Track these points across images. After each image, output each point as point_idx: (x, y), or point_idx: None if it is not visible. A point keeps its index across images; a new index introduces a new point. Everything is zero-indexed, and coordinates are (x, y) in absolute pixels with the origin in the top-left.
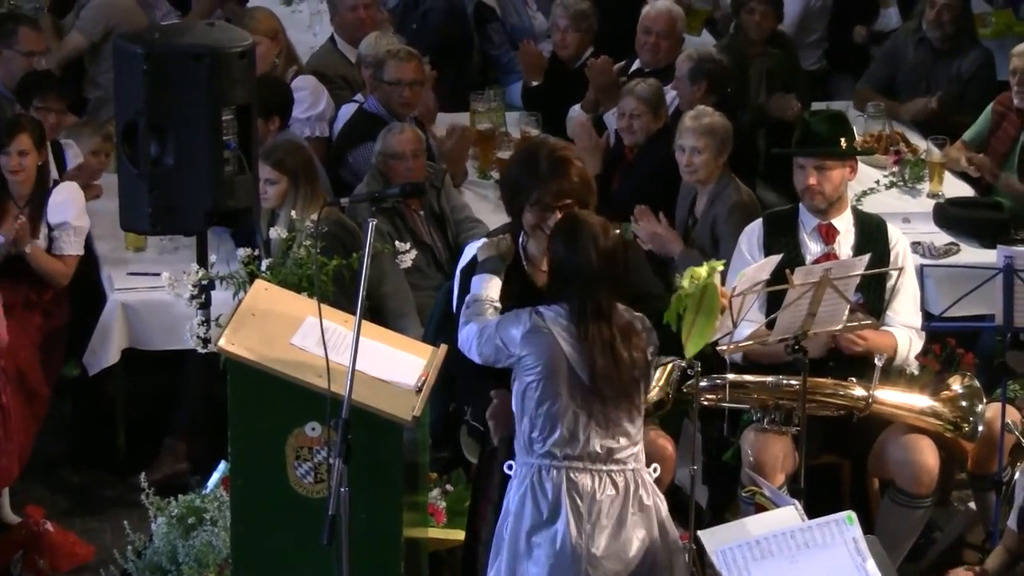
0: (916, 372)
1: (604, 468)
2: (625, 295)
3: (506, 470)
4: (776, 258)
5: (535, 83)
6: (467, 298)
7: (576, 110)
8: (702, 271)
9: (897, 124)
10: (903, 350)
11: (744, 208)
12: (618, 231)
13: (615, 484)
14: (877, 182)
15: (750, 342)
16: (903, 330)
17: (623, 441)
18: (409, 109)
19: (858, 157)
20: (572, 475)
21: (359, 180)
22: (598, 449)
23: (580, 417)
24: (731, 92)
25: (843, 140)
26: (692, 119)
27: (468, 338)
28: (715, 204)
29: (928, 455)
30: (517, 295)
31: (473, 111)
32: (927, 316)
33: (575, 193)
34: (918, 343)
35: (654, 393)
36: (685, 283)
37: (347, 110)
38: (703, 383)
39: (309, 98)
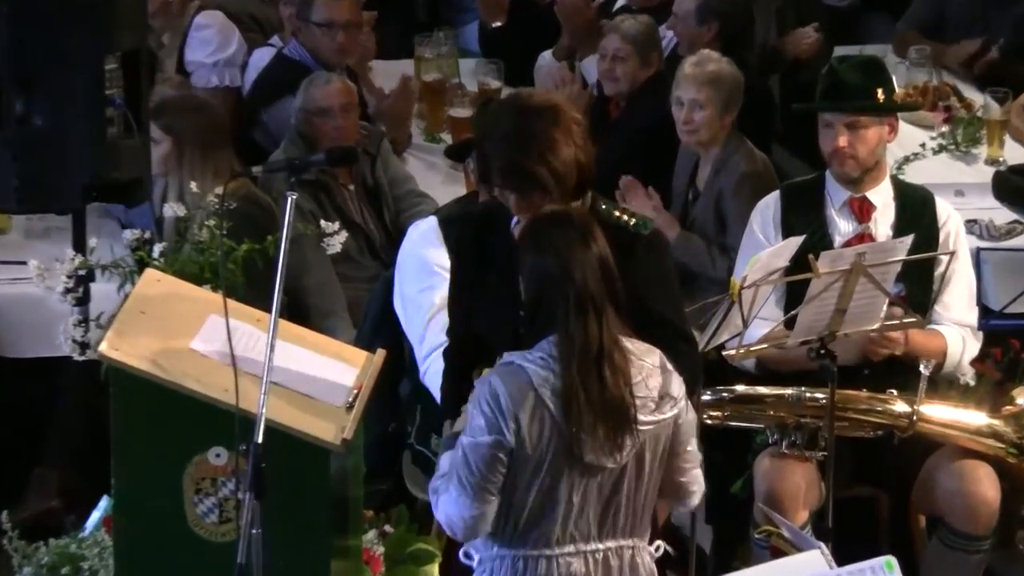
0: (971, 382)
1: (600, 547)
2: (631, 320)
3: (463, 559)
4: (797, 240)
5: (495, 23)
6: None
7: (546, 57)
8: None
9: (947, 74)
10: (955, 354)
11: (757, 178)
12: (633, 222)
13: (608, 568)
14: (922, 145)
15: (764, 345)
16: (954, 329)
17: (623, 518)
18: (344, 57)
19: (899, 114)
20: (560, 563)
21: (277, 143)
22: (594, 529)
23: (575, 496)
24: (737, 33)
25: (880, 92)
26: (693, 66)
27: (450, 512)
28: (721, 173)
29: (986, 486)
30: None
31: (418, 58)
32: (984, 312)
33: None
34: (974, 345)
35: None
36: None
37: (261, 56)
38: (706, 396)
39: (216, 38)
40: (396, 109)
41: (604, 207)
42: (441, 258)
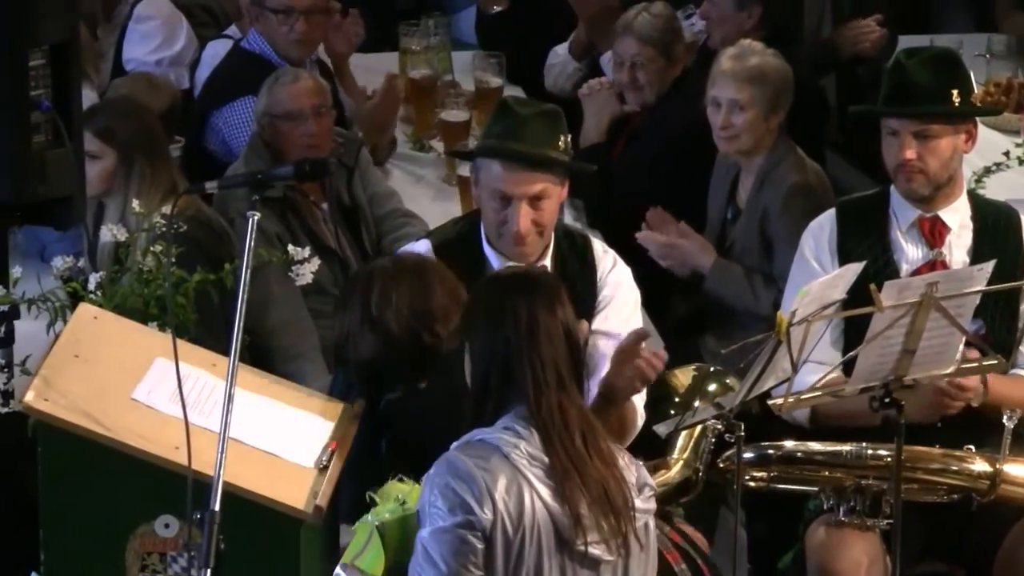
0: None
1: None
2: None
3: None
4: (856, 267)
5: (496, 8)
6: None
7: (560, 53)
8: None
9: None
10: None
11: (809, 192)
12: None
13: None
14: (1006, 154)
15: (817, 393)
16: None
17: None
18: (305, 49)
19: (978, 119)
20: None
21: (233, 153)
22: None
23: None
24: (783, 21)
25: (955, 93)
26: (732, 59)
27: None
28: (765, 187)
29: None
30: None
31: (404, 51)
32: None
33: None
34: None
35: (676, 470)
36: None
37: (216, 50)
38: (748, 454)
39: (161, 32)
40: (379, 113)
41: None
42: None
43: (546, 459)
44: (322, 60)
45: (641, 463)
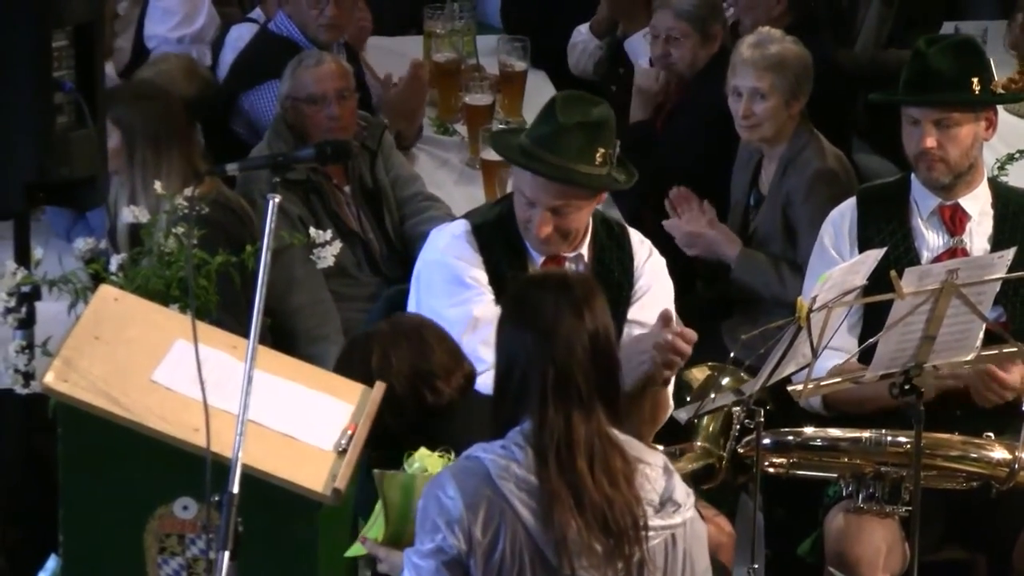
0: None
1: None
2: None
3: None
4: (876, 254)
5: None
6: None
7: (583, 32)
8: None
9: None
10: None
11: (832, 179)
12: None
13: None
14: None
15: (838, 379)
16: None
17: None
18: (334, 32)
19: (999, 106)
20: None
21: (260, 135)
22: None
23: None
24: (815, 6)
25: (975, 81)
26: (752, 48)
27: None
28: (788, 174)
29: None
30: None
31: (428, 33)
32: None
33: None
34: None
35: (698, 455)
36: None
37: (240, 32)
38: (767, 440)
39: (181, 8)
40: (405, 100)
41: None
42: (475, 270)
43: (535, 481)
44: (349, 44)
45: (675, 472)
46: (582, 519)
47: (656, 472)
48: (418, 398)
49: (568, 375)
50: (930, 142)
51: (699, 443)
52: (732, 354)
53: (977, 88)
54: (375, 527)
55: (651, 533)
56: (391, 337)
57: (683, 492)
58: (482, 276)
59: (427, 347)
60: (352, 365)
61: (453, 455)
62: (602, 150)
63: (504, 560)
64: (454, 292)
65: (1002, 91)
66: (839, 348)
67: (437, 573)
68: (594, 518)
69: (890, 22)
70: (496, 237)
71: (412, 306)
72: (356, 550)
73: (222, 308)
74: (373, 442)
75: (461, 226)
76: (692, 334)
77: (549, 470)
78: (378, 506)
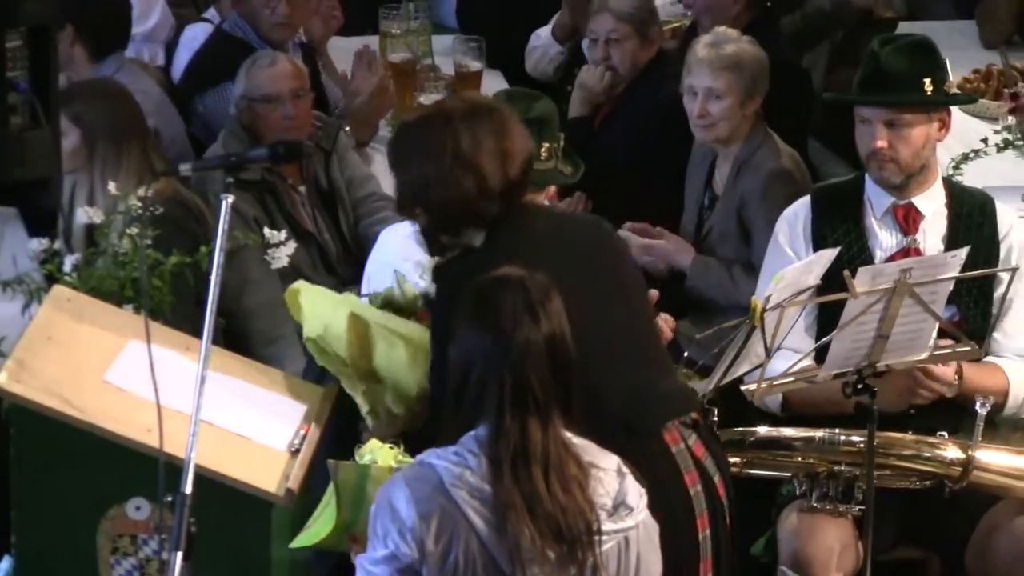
0: None
1: None
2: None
3: None
4: (830, 253)
5: None
6: None
7: (542, 36)
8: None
9: (1016, 54)
10: (1018, 394)
11: (787, 180)
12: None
13: None
14: (984, 141)
15: (791, 379)
16: (1018, 363)
17: None
18: (287, 31)
19: (954, 106)
20: None
21: (216, 138)
22: None
23: None
24: (772, 5)
25: (928, 82)
26: (707, 47)
27: None
28: (743, 174)
29: None
30: None
31: (384, 34)
32: None
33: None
34: None
35: None
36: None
37: (195, 33)
38: (723, 440)
39: (136, 6)
40: (370, 111)
41: None
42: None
43: (488, 490)
44: (305, 43)
45: (628, 474)
46: (536, 527)
47: (609, 476)
48: (504, 176)
49: (525, 383)
50: (881, 142)
51: None
52: (686, 354)
53: (929, 89)
54: (324, 517)
55: (604, 537)
56: (474, 115)
57: (636, 494)
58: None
59: (510, 125)
60: (428, 147)
61: (402, 447)
62: (547, 144)
63: (457, 568)
64: None
65: (956, 91)
66: (795, 349)
67: None
68: (548, 526)
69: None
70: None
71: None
72: (302, 540)
73: (176, 308)
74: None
75: (411, 226)
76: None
77: (503, 480)
78: (327, 495)
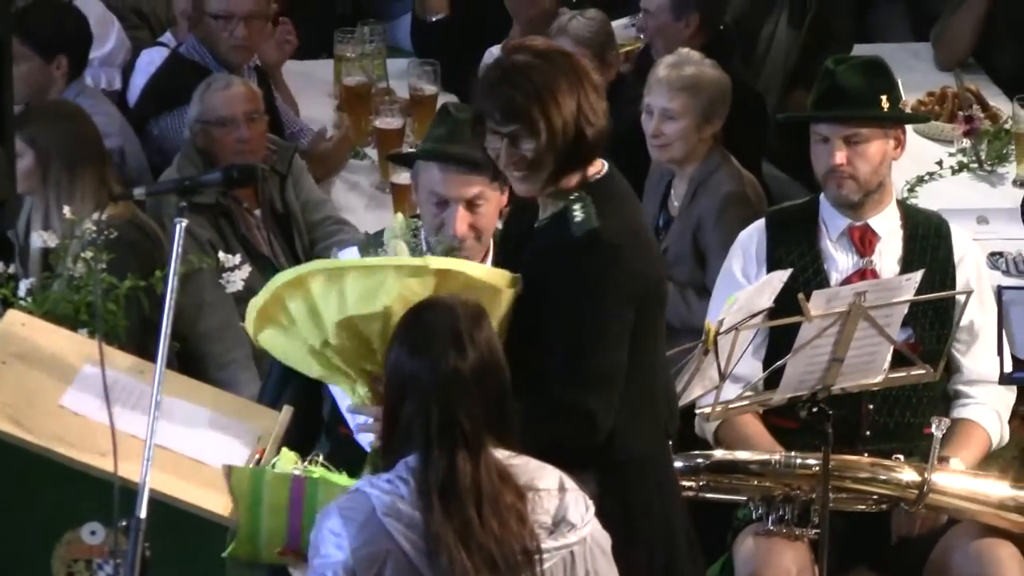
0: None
1: None
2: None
3: None
4: (782, 275)
5: (434, 16)
6: None
7: (495, 53)
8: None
9: (970, 77)
10: (996, 436)
11: (743, 203)
12: (578, 217)
13: None
14: (939, 163)
15: (745, 403)
16: (984, 408)
17: None
18: (244, 54)
19: (912, 126)
20: None
21: (171, 161)
22: None
23: None
24: (725, 29)
25: (884, 99)
26: (668, 68)
27: None
28: (699, 196)
29: (1008, 569)
30: None
31: (339, 57)
32: (1015, 363)
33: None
34: (1006, 412)
35: None
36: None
37: (151, 57)
38: (677, 463)
39: (93, 31)
40: (334, 157)
41: (575, 196)
42: None
43: (420, 518)
44: (259, 67)
45: (571, 490)
46: (470, 559)
47: (549, 495)
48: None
49: (453, 416)
50: (840, 158)
51: None
52: None
53: (886, 105)
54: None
55: (545, 556)
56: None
57: (579, 510)
58: None
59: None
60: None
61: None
62: None
63: None
64: None
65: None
66: (741, 377)
67: None
68: (481, 558)
69: (799, 44)
70: None
71: None
72: (234, 549)
73: (131, 332)
74: None
75: (355, 252)
76: None
77: (433, 512)
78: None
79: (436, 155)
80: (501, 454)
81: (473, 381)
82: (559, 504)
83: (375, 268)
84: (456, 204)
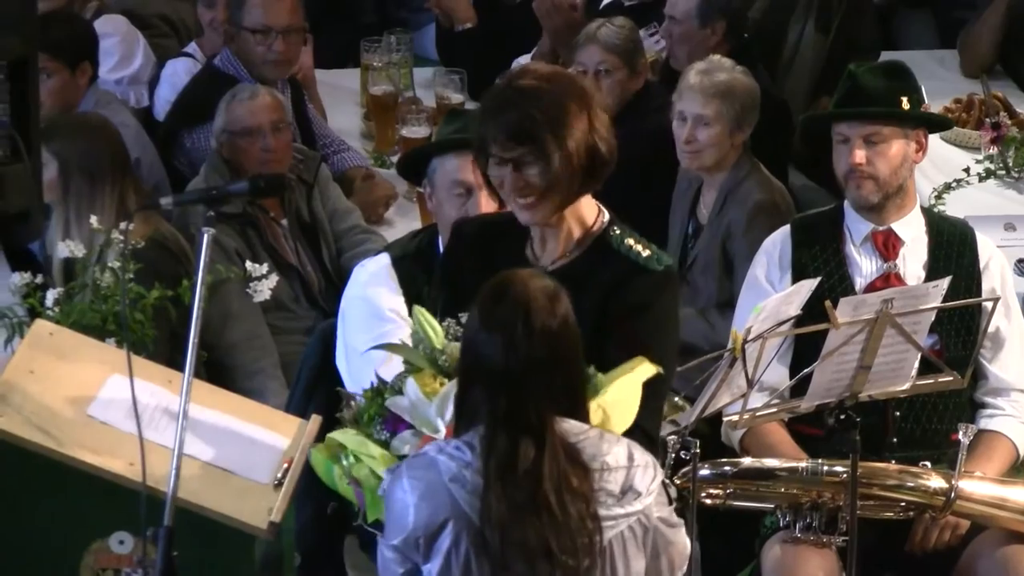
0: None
1: None
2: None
3: None
4: (810, 284)
5: (462, 26)
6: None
7: (522, 64)
8: None
9: (997, 84)
10: (1023, 447)
11: (773, 211)
12: (646, 254)
13: None
14: (966, 170)
15: (772, 410)
16: (1011, 421)
17: None
18: (282, 69)
19: (939, 133)
20: None
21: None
22: None
23: None
24: (749, 38)
25: (905, 100)
26: (700, 74)
27: None
28: (729, 204)
29: None
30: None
31: (366, 66)
32: None
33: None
34: None
35: None
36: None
37: (175, 68)
38: (703, 471)
39: (119, 49)
40: (372, 199)
41: (616, 231)
42: (395, 302)
43: (483, 503)
44: (293, 78)
45: (639, 464)
46: (524, 542)
47: (617, 468)
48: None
49: (519, 406)
50: (859, 157)
51: None
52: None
53: (907, 106)
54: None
55: (611, 523)
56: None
57: (646, 480)
58: (402, 309)
59: None
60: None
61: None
62: None
63: (456, 562)
64: (373, 326)
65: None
66: (767, 384)
67: (396, 567)
68: (536, 542)
69: (825, 52)
70: (416, 268)
71: (339, 342)
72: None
73: (158, 342)
74: None
75: (381, 260)
76: None
77: (490, 492)
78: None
79: (453, 143)
80: (570, 427)
81: (544, 367)
82: (626, 475)
83: None
84: (479, 190)
